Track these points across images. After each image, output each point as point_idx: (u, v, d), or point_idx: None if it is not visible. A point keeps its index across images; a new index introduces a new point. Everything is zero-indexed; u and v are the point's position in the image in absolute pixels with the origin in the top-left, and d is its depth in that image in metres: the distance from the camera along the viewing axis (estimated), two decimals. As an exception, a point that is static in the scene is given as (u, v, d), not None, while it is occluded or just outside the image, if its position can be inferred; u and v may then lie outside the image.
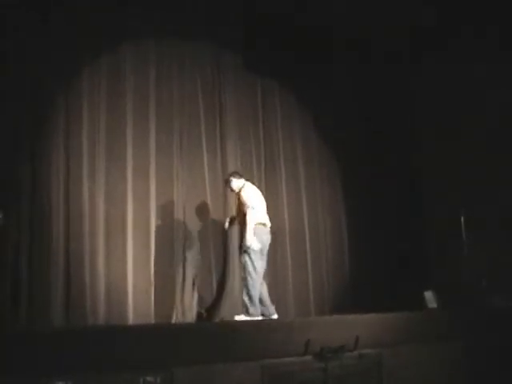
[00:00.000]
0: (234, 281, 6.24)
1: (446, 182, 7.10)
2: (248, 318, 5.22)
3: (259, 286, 5.36)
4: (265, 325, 4.85)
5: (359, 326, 4.76)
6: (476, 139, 6.72)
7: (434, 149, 7.42)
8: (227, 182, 5.81)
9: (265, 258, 5.50)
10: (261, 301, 5.39)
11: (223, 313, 6.05)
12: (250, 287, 5.29)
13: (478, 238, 6.29)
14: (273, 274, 6.44)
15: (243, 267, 5.40)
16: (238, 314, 5.41)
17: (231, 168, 6.50)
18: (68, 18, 5.73)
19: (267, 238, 5.51)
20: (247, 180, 5.81)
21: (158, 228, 5.99)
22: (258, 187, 5.95)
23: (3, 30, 5.35)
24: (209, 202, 6.40)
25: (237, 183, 5.70)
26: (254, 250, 5.32)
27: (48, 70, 5.57)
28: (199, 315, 6.01)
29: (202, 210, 6.34)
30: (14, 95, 5.38)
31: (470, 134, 6.78)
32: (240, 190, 5.62)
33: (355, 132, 7.49)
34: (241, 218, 5.52)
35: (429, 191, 7.50)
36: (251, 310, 5.26)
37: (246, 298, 5.30)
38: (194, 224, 6.27)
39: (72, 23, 5.74)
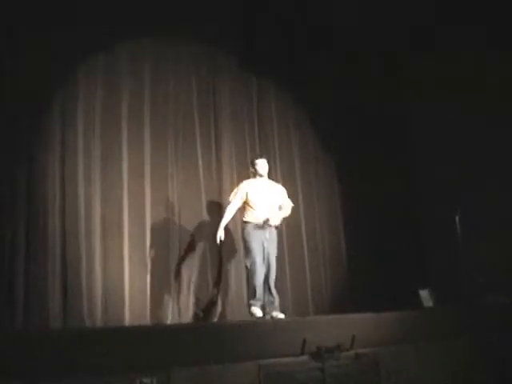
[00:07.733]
0: (229, 280, 6.24)
1: (444, 181, 7.09)
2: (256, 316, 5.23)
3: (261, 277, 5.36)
4: (261, 325, 4.85)
5: (355, 326, 4.77)
6: (476, 138, 6.72)
7: (433, 149, 7.41)
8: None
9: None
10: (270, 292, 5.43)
11: (220, 313, 6.05)
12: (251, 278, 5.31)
13: (475, 237, 6.29)
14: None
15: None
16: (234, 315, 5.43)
17: (226, 168, 6.54)
18: (65, 18, 5.71)
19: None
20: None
21: (153, 228, 5.98)
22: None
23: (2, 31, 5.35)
24: (204, 201, 6.39)
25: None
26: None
27: (45, 71, 5.54)
28: (195, 315, 6.01)
29: (197, 210, 6.33)
30: (11, 97, 5.36)
31: (469, 134, 6.79)
32: None
33: (352, 131, 7.48)
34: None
35: (427, 190, 7.50)
36: (253, 301, 5.28)
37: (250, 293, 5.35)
38: (189, 224, 6.25)
39: (69, 24, 5.72)
